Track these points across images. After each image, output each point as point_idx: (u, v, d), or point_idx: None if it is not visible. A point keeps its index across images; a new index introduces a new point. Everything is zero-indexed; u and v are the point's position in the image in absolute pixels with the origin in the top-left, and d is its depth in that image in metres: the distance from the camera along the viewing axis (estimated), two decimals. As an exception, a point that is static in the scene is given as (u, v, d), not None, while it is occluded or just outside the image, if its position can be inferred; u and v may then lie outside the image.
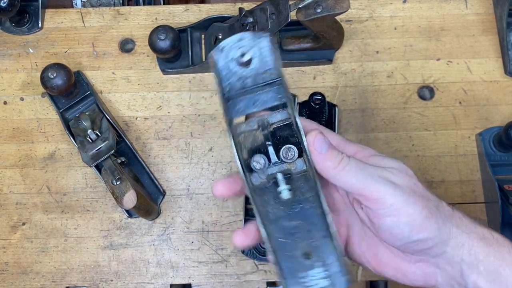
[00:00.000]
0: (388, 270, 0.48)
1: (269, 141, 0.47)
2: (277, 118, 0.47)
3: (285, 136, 0.48)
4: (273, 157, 0.47)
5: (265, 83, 0.47)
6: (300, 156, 0.47)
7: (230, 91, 0.47)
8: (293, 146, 0.46)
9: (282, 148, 0.46)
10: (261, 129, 0.48)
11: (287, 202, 0.47)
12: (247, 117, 0.49)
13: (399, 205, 0.44)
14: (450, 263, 0.46)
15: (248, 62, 0.46)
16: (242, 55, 0.46)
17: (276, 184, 0.46)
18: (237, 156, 0.45)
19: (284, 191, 0.46)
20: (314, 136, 0.45)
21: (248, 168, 0.47)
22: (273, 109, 0.48)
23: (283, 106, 0.48)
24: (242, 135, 0.47)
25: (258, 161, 0.46)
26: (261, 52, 0.47)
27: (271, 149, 0.47)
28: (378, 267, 0.49)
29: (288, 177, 0.47)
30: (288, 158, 0.46)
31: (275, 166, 0.47)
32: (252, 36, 0.46)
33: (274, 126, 0.48)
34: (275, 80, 0.47)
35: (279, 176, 0.46)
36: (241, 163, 0.46)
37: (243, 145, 0.47)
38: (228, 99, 0.47)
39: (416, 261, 0.47)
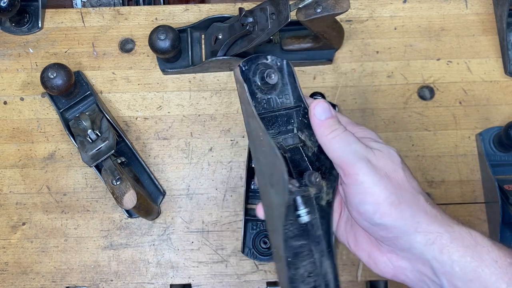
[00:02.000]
0: (363, 255, 0.50)
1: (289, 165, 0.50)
2: (288, 142, 0.51)
3: (297, 160, 0.50)
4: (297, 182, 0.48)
5: (283, 108, 0.51)
6: (323, 178, 0.49)
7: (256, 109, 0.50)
8: (316, 172, 0.48)
9: (306, 173, 0.48)
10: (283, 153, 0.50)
11: (302, 224, 0.48)
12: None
13: (368, 185, 0.45)
14: (420, 260, 0.45)
15: (273, 85, 0.50)
16: (267, 76, 0.50)
17: (294, 206, 0.48)
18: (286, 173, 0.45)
19: (303, 215, 0.48)
20: (317, 102, 0.48)
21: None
22: (284, 132, 0.51)
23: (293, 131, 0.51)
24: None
25: (294, 184, 0.48)
26: (283, 77, 0.51)
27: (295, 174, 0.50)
28: (356, 250, 0.51)
29: (305, 200, 0.48)
30: (313, 183, 0.47)
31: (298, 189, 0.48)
32: (275, 59, 0.51)
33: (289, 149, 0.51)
34: (292, 108, 0.51)
35: (299, 200, 0.48)
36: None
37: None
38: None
39: (388, 252, 0.47)
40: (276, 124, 0.51)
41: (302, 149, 0.50)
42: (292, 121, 0.51)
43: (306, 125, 0.50)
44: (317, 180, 0.47)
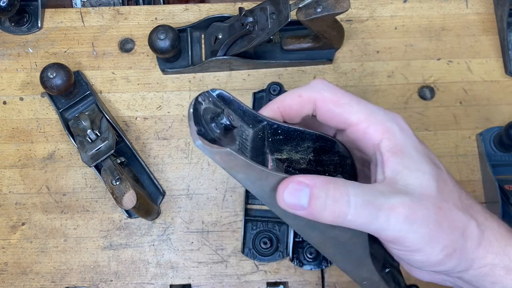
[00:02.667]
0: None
1: None
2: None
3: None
4: None
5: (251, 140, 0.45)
6: None
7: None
8: None
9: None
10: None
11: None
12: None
13: (417, 246, 0.40)
14: (467, 284, 0.44)
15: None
16: (222, 118, 0.42)
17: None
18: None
19: None
20: (284, 187, 0.40)
21: None
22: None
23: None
24: None
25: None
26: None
27: None
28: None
29: None
30: None
31: None
32: (204, 96, 0.43)
33: None
34: (258, 134, 0.46)
35: None
36: None
37: None
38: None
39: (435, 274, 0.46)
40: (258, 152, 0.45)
41: (294, 167, 0.46)
42: (264, 149, 0.45)
43: (280, 142, 0.45)
44: None
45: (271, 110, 0.45)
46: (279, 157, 0.46)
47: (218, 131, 0.41)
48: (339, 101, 0.44)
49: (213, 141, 0.40)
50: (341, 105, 0.44)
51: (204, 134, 0.39)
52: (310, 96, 0.44)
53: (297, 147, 0.46)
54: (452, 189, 0.43)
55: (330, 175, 0.45)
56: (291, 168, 0.46)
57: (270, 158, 0.44)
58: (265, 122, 0.45)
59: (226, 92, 0.44)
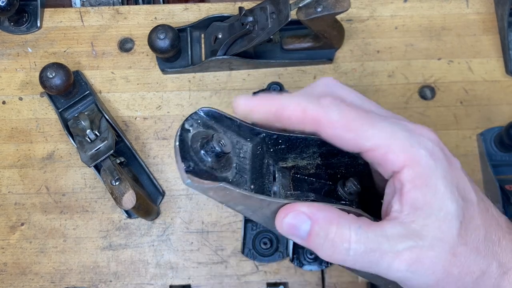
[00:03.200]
0: None
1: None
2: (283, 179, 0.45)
3: (313, 185, 0.45)
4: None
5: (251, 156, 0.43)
6: None
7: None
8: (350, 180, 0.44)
9: (339, 186, 0.44)
10: None
11: None
12: None
13: None
14: None
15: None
16: (215, 147, 0.38)
17: None
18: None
19: None
20: (283, 215, 0.37)
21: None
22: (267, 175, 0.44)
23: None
24: None
25: None
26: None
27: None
28: None
29: None
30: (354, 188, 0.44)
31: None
32: (191, 120, 0.40)
33: None
34: (257, 147, 0.43)
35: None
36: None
37: None
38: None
39: None
40: (259, 173, 0.42)
41: (303, 173, 0.44)
42: (266, 161, 0.43)
43: (283, 151, 0.43)
44: (355, 184, 0.42)
45: (267, 111, 0.40)
46: (285, 165, 0.44)
47: (209, 159, 0.38)
48: (348, 125, 0.37)
49: (205, 173, 0.37)
50: (352, 130, 0.37)
51: (194, 168, 0.37)
52: (316, 115, 0.38)
53: (302, 154, 0.43)
54: (478, 226, 0.39)
55: (342, 177, 0.44)
56: (299, 175, 0.44)
57: (274, 169, 0.42)
58: (263, 134, 0.42)
59: (215, 109, 0.40)
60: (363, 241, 0.37)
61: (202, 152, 0.38)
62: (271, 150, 0.43)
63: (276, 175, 0.42)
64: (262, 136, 0.42)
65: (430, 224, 0.37)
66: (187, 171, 0.36)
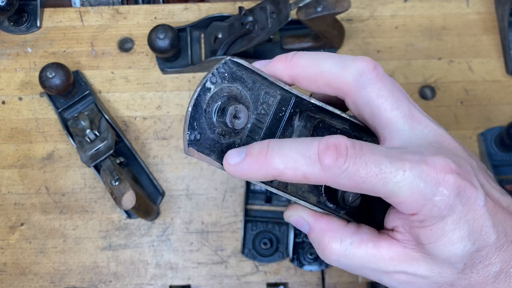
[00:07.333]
0: None
1: None
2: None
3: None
4: None
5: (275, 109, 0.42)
6: None
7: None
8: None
9: None
10: None
11: None
12: None
13: None
14: None
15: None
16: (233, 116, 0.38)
17: None
18: None
19: None
20: (289, 215, 0.42)
21: None
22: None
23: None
24: None
25: None
26: (244, 80, 0.40)
27: None
28: None
29: None
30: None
31: None
32: (216, 73, 0.38)
33: None
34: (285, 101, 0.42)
35: None
36: None
37: None
38: None
39: None
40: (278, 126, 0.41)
41: (329, 126, 0.42)
42: (293, 109, 0.41)
43: (314, 110, 0.41)
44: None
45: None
46: (312, 115, 0.42)
47: (219, 128, 0.38)
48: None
49: (211, 141, 0.37)
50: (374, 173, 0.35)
51: (199, 139, 0.37)
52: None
53: (332, 118, 0.42)
54: (491, 263, 0.38)
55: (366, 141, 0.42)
56: (325, 123, 0.42)
57: (298, 117, 0.41)
58: (294, 98, 0.41)
59: (247, 63, 0.39)
60: (351, 257, 0.38)
61: (215, 118, 0.38)
62: (301, 104, 0.41)
63: (298, 123, 0.41)
64: (292, 98, 0.41)
65: (429, 260, 0.37)
66: (189, 144, 0.36)
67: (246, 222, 0.76)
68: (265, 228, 0.76)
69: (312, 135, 0.42)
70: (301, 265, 0.74)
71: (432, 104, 0.81)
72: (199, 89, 0.37)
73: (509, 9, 0.80)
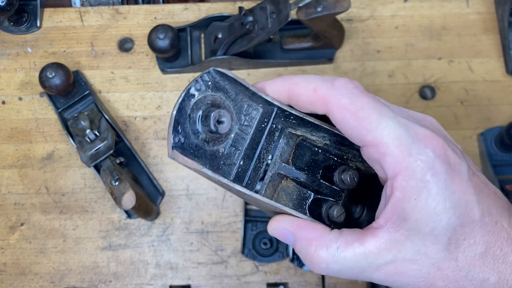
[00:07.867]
0: None
1: None
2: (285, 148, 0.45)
3: (317, 160, 0.45)
4: None
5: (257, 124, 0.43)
6: None
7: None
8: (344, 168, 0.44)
9: (337, 173, 0.44)
10: None
11: None
12: None
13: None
14: None
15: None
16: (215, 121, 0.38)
17: None
18: None
19: None
20: (272, 226, 0.41)
21: None
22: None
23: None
24: None
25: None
26: (227, 91, 0.40)
27: None
28: None
29: None
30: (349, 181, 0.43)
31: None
32: (200, 80, 0.39)
33: None
34: (267, 116, 0.43)
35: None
36: None
37: None
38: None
39: None
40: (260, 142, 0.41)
41: (310, 143, 0.43)
42: (275, 125, 0.42)
43: (293, 124, 0.42)
44: (350, 175, 0.41)
45: (280, 88, 0.40)
46: (293, 132, 0.43)
47: (204, 134, 0.39)
48: (356, 112, 0.37)
49: (194, 147, 0.38)
50: (359, 118, 0.37)
51: (183, 143, 0.37)
52: (325, 95, 0.38)
53: (312, 132, 0.42)
54: (476, 242, 0.37)
55: (348, 160, 0.43)
56: (306, 142, 0.43)
57: (280, 134, 0.42)
58: (276, 108, 0.41)
59: (230, 73, 0.39)
60: (340, 261, 0.38)
61: (199, 124, 0.38)
62: (282, 119, 0.42)
63: (280, 140, 0.42)
64: (274, 109, 0.41)
65: (414, 238, 0.37)
66: (173, 147, 0.37)
67: (246, 222, 0.76)
68: (265, 228, 0.76)
69: (294, 153, 0.43)
70: (301, 265, 0.74)
71: (432, 104, 0.81)
72: (183, 94, 0.38)
73: (509, 9, 0.80)
